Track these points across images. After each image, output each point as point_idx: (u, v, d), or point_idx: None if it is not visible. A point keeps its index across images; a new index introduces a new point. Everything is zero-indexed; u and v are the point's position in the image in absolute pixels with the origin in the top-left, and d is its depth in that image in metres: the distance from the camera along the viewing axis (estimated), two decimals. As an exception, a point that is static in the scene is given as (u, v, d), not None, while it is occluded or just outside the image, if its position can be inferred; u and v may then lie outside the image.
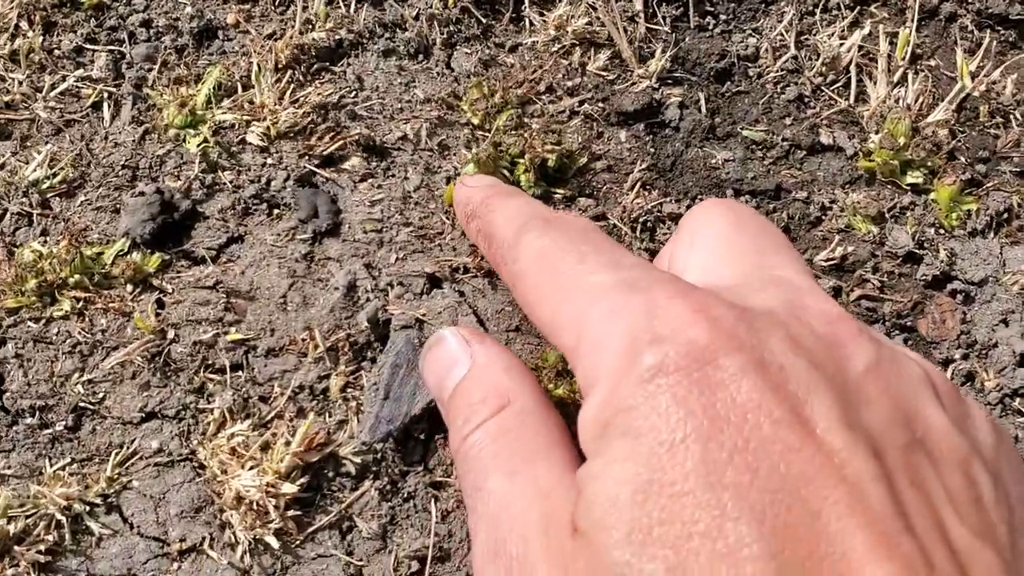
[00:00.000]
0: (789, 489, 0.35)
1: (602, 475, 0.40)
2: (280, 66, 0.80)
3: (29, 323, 0.70)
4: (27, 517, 0.64)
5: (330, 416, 0.70)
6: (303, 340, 0.72)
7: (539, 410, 0.53)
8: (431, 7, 0.84)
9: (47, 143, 0.77)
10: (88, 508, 0.65)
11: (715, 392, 0.38)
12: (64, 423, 0.68)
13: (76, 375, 0.69)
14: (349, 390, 0.71)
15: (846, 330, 0.42)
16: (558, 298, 0.48)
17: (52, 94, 0.79)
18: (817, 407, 0.38)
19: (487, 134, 0.79)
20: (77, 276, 0.71)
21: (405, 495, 0.69)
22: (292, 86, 0.80)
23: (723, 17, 0.90)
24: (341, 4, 0.85)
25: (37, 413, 0.68)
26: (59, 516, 0.64)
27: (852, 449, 0.37)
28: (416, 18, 0.84)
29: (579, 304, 0.46)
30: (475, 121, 0.80)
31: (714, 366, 0.38)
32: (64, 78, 0.80)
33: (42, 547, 0.63)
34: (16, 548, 0.63)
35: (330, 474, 0.68)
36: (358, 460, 0.68)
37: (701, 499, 0.35)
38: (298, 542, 0.66)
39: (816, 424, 0.37)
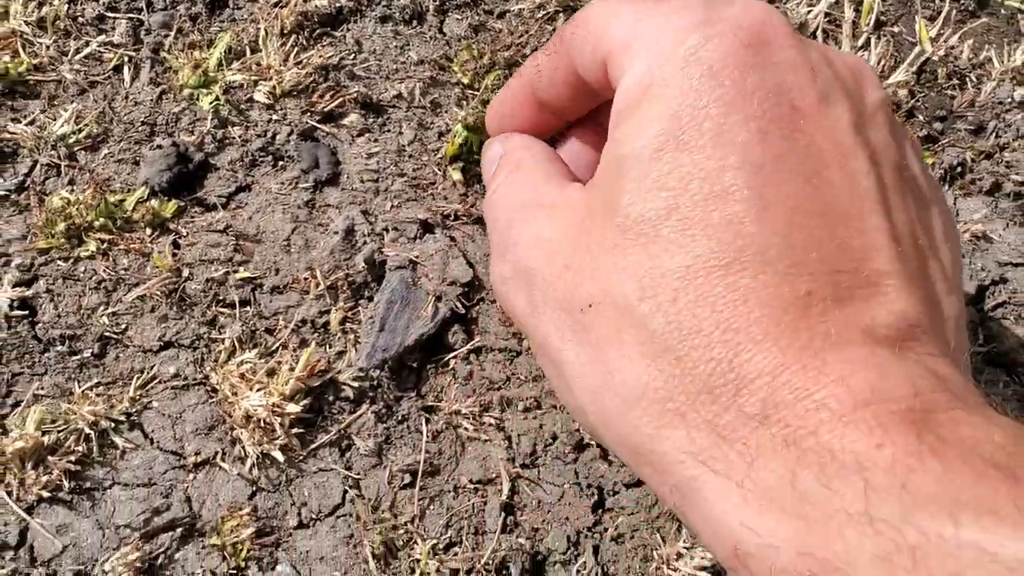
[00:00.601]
0: (792, 157, 0.41)
1: (626, 135, 0.44)
2: (285, 31, 0.87)
3: (59, 262, 0.77)
4: (59, 431, 0.71)
5: (330, 347, 0.77)
6: (305, 279, 0.79)
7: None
8: (425, -24, 0.91)
9: (72, 102, 0.85)
10: (113, 425, 0.72)
11: (748, 72, 0.42)
12: (91, 351, 0.75)
13: (101, 308, 0.76)
14: (348, 324, 0.78)
15: (868, 73, 0.48)
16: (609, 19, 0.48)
17: (77, 58, 0.87)
18: (835, 108, 0.43)
19: (476, 93, 0.86)
20: (102, 220, 0.78)
21: (399, 417, 0.76)
22: (296, 49, 0.87)
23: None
24: (341, -26, 0.91)
25: (67, 342, 0.75)
26: (87, 430, 0.71)
27: (855, 150, 0.42)
28: (411, -13, 0.90)
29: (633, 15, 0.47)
30: (465, 81, 0.86)
31: (754, 50, 0.42)
32: (87, 43, 0.87)
33: (72, 457, 0.70)
34: (50, 458, 0.70)
35: (331, 398, 0.75)
36: (356, 385, 0.75)
37: (710, 153, 0.40)
38: (301, 457, 0.73)
39: (831, 121, 0.43)
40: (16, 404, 0.72)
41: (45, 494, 0.69)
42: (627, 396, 0.41)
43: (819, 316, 0.39)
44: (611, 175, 0.45)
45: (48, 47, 0.86)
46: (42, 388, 0.73)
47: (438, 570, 0.69)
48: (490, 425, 0.75)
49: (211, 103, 0.84)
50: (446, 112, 0.86)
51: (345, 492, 0.73)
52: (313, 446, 0.73)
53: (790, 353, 0.38)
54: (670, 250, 0.40)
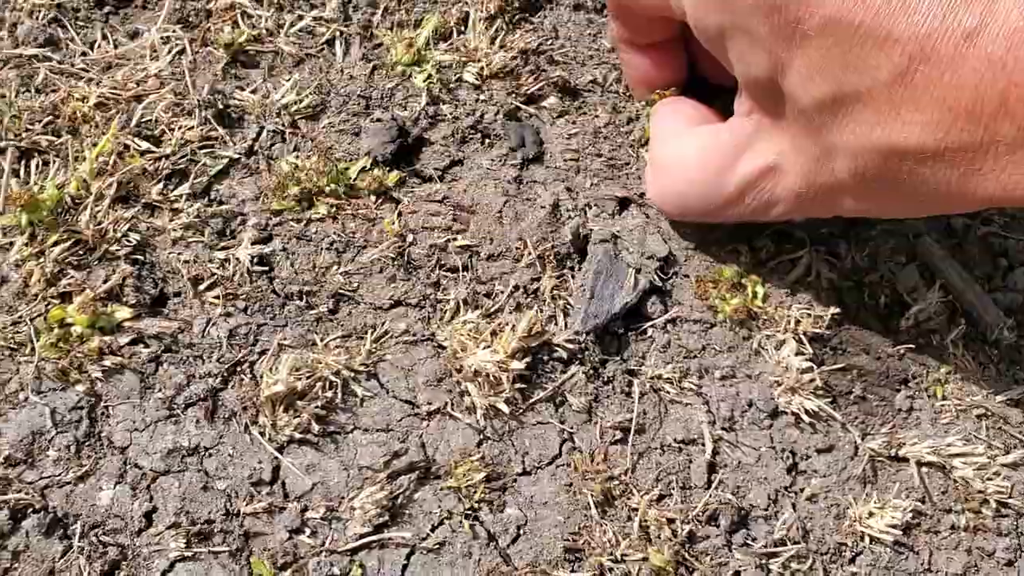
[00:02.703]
0: None
1: None
2: (489, 15, 0.93)
3: (291, 223, 0.83)
4: (306, 378, 0.77)
5: (541, 312, 0.83)
6: (517, 248, 0.85)
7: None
8: (616, -31, 0.96)
9: (290, 73, 0.90)
10: (353, 375, 0.79)
11: None
12: (326, 306, 0.81)
13: (334, 268, 0.82)
14: (556, 291, 0.84)
15: None
16: None
17: (292, 30, 0.92)
18: None
19: (667, 81, 0.92)
20: (332, 186, 0.84)
21: (605, 379, 0.82)
22: (502, 33, 0.92)
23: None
24: (537, -37, 0.97)
25: (303, 297, 0.81)
26: (332, 378, 0.78)
27: None
28: (602, -22, 0.96)
29: None
30: (658, 69, 0.92)
31: None
32: (301, 17, 0.93)
33: (319, 403, 0.77)
34: (299, 402, 0.76)
35: (544, 358, 0.82)
36: (569, 347, 0.81)
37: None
38: (522, 410, 0.80)
39: None
40: (263, 352, 0.78)
41: (297, 435, 0.75)
42: None
43: None
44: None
45: (265, 19, 0.92)
46: (285, 339, 0.79)
47: (656, 518, 0.76)
48: (690, 390, 0.82)
49: (424, 81, 0.90)
50: (636, 100, 0.92)
51: (562, 444, 0.79)
52: (532, 400, 0.80)
53: None
54: None
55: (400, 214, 0.85)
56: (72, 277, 0.77)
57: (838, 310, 0.85)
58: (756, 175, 0.69)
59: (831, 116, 0.59)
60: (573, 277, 0.84)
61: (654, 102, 0.85)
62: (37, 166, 0.82)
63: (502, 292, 0.83)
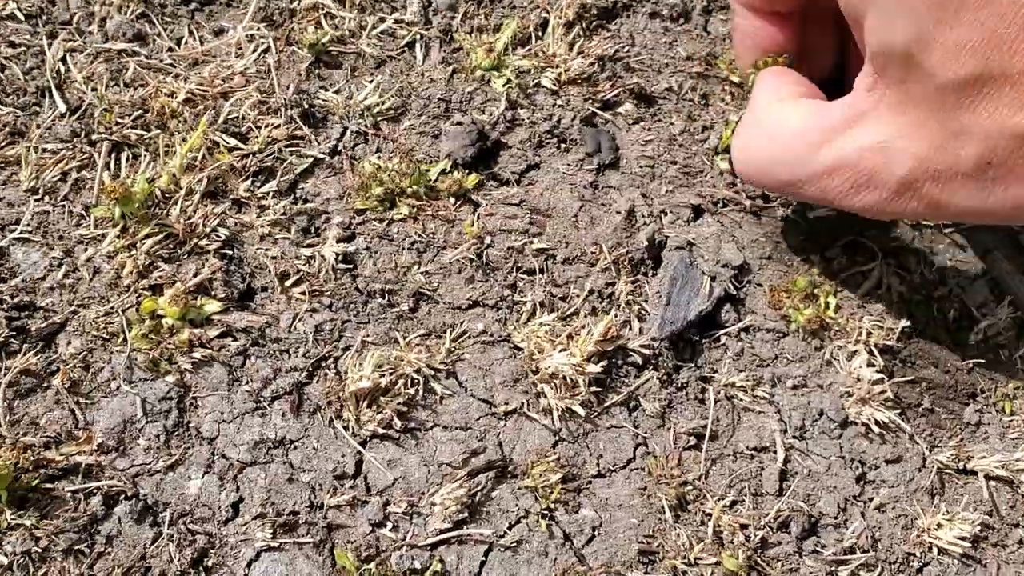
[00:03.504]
0: None
1: None
2: (567, 22, 0.94)
3: (374, 222, 0.85)
4: (389, 375, 0.79)
5: (616, 316, 0.84)
6: (592, 252, 0.86)
7: None
8: (692, -22, 0.97)
9: (372, 74, 0.92)
10: (433, 373, 0.80)
11: None
12: (407, 305, 0.83)
13: (415, 267, 0.84)
14: (631, 296, 0.85)
15: None
16: None
17: (374, 33, 0.94)
18: None
19: (742, 90, 0.93)
20: (413, 187, 0.86)
21: (679, 385, 0.83)
22: (580, 39, 0.94)
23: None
24: (615, -29, 0.98)
25: (386, 295, 0.83)
26: (414, 376, 0.79)
27: None
28: (679, -13, 0.97)
29: None
30: (734, 79, 0.93)
31: None
32: (383, 19, 0.94)
33: (401, 399, 0.78)
34: (382, 399, 0.78)
35: (619, 363, 0.83)
36: (644, 352, 0.83)
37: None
38: (596, 413, 0.81)
39: None
40: (347, 348, 0.80)
41: (380, 431, 0.77)
42: None
43: None
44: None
45: (348, 20, 0.93)
46: (368, 336, 0.80)
47: (729, 524, 0.77)
48: (762, 398, 0.83)
49: (503, 85, 0.91)
50: (711, 106, 0.93)
51: (636, 448, 0.80)
52: (606, 404, 0.81)
53: None
54: None
55: (479, 216, 0.86)
56: (163, 270, 0.79)
57: (908, 323, 0.86)
58: (859, 153, 0.66)
59: (970, 96, 0.58)
60: (648, 283, 0.85)
61: (759, 69, 0.83)
62: (127, 159, 0.84)
63: (578, 296, 0.84)
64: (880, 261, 0.88)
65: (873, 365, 0.84)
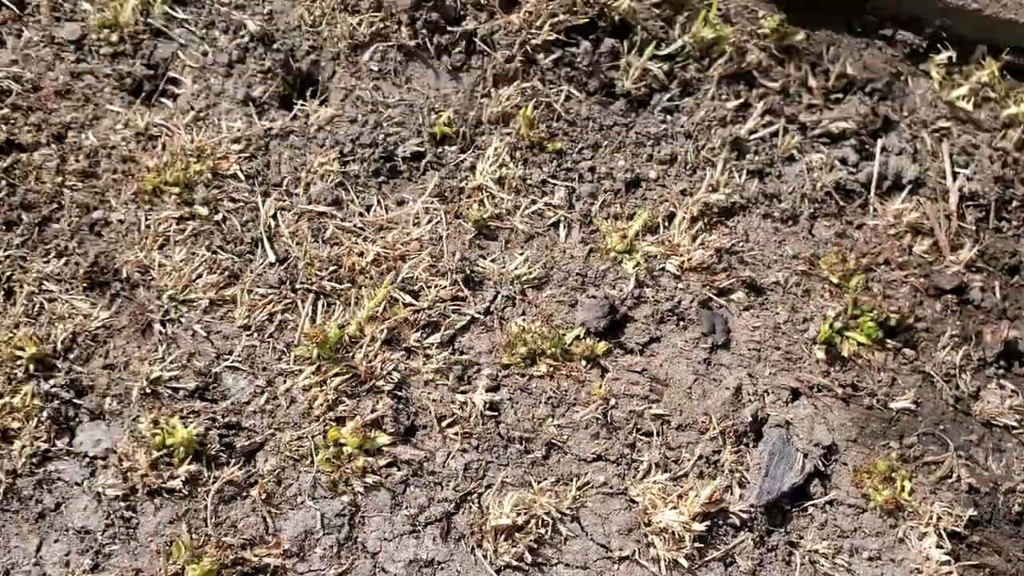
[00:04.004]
0: None
1: None
2: (692, 216, 1.11)
3: (517, 376, 1.01)
4: (524, 515, 0.93)
5: (720, 482, 0.98)
6: (702, 422, 1.00)
7: None
8: (803, 188, 1.14)
9: (522, 248, 1.09)
10: (560, 516, 0.94)
11: None
12: (541, 452, 0.97)
13: (549, 420, 0.99)
14: (734, 464, 0.99)
15: None
16: None
17: (526, 212, 1.11)
18: None
19: (841, 290, 1.08)
20: (552, 348, 1.01)
21: (770, 547, 0.96)
22: (702, 233, 1.10)
23: (1015, 223, 1.17)
24: (735, 174, 1.15)
25: (523, 442, 0.98)
26: (544, 517, 0.93)
27: None
28: (791, 193, 1.14)
29: None
30: (833, 279, 1.08)
31: None
32: (534, 202, 1.12)
33: (532, 537, 0.92)
34: (516, 534, 0.92)
35: (720, 523, 0.96)
36: (743, 516, 0.96)
37: None
38: (697, 565, 0.94)
39: None
40: (489, 486, 0.95)
41: (513, 562, 0.91)
42: None
43: None
44: None
45: (505, 201, 1.11)
46: (507, 477, 0.95)
47: None
48: (841, 566, 0.95)
49: (633, 267, 1.07)
50: (812, 301, 1.08)
51: (729, 600, 0.93)
52: (706, 559, 0.94)
53: None
54: None
55: (606, 380, 1.01)
56: (346, 404, 0.96)
57: (975, 512, 0.98)
58: None
59: None
60: (749, 453, 0.99)
61: None
62: (323, 307, 1.01)
63: (688, 459, 0.98)
64: (952, 453, 1.01)
65: (941, 547, 0.95)
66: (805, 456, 0.98)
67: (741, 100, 1.20)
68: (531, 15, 1.18)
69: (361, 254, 1.04)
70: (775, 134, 1.19)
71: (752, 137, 1.18)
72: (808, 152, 1.19)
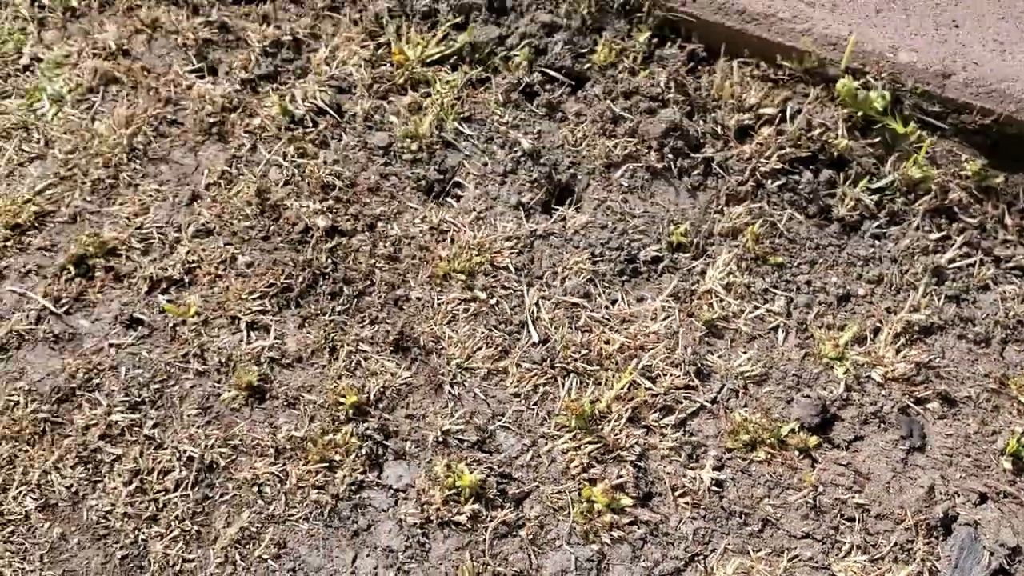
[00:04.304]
0: None
1: None
2: (896, 333, 1.27)
3: (739, 459, 1.19)
4: (742, 577, 1.10)
5: (913, 567, 1.13)
6: (898, 513, 1.16)
7: None
8: (996, 315, 1.29)
9: (745, 348, 1.28)
10: (773, 582, 1.11)
11: None
12: (757, 526, 1.15)
13: (765, 499, 1.16)
14: (925, 555, 1.14)
15: None
16: None
17: (749, 317, 1.30)
18: None
19: (1029, 410, 1.22)
20: (770, 439, 1.19)
21: (956, 631, 1.10)
22: (904, 348, 1.26)
23: None
24: (935, 298, 1.31)
25: (743, 516, 1.15)
26: (760, 582, 1.11)
27: None
28: (984, 318, 1.29)
29: None
30: (1022, 399, 1.22)
31: None
32: (756, 307, 1.31)
33: (749, 597, 1.10)
34: (736, 593, 1.10)
35: (911, 604, 1.11)
36: (933, 601, 1.10)
37: None
38: (891, 640, 1.09)
39: None
40: (713, 551, 1.12)
41: (732, 617, 1.08)
42: None
43: None
44: None
45: (732, 305, 1.30)
46: (729, 545, 1.13)
47: None
48: (1022, 657, 1.08)
49: (843, 373, 1.24)
50: (1000, 416, 1.23)
51: (919, 674, 1.07)
52: (899, 635, 1.09)
53: None
54: None
55: (815, 469, 1.18)
56: (596, 468, 1.16)
57: None
58: None
59: None
60: (940, 546, 1.14)
61: None
62: (577, 384, 1.22)
63: (885, 545, 1.14)
64: None
65: (1119, 652, 1.07)
66: (991, 554, 1.12)
67: (942, 233, 1.36)
68: (761, 146, 1.38)
69: (607, 342, 1.25)
70: (972, 265, 1.34)
71: (951, 266, 1.34)
72: (1002, 283, 1.33)
